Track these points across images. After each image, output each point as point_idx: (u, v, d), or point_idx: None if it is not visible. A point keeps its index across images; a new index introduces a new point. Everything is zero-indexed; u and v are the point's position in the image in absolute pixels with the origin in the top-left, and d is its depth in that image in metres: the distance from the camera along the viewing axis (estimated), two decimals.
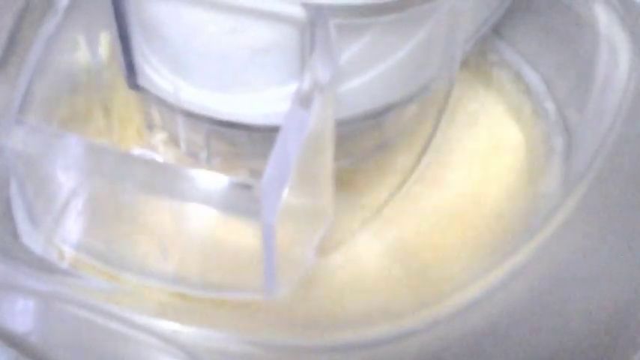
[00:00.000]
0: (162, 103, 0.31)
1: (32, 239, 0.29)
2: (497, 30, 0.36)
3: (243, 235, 0.27)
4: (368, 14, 0.27)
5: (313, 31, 0.26)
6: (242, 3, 0.26)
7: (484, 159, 0.35)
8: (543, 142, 0.35)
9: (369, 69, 0.29)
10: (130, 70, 0.31)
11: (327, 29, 0.26)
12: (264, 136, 0.30)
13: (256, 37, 0.27)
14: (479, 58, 0.37)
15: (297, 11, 0.26)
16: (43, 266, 0.29)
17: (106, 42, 0.31)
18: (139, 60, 0.30)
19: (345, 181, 0.31)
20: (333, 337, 0.28)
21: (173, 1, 0.27)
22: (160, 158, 0.32)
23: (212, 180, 0.25)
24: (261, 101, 0.29)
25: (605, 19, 0.34)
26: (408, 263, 0.31)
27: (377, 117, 0.31)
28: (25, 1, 0.34)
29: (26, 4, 0.34)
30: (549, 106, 0.36)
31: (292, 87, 0.28)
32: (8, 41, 0.33)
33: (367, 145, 0.33)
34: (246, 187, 0.25)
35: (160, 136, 0.33)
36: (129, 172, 0.26)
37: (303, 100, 0.26)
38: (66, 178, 0.28)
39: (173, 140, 0.33)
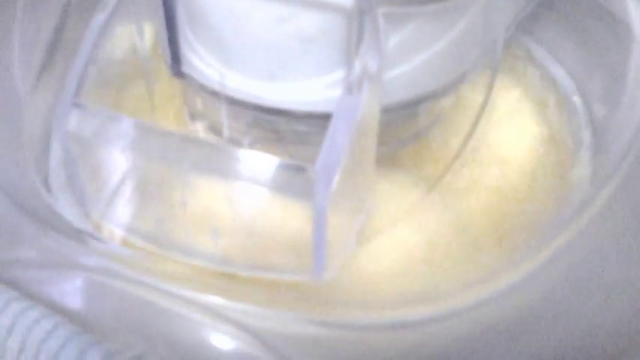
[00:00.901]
0: (206, 90, 0.31)
1: (81, 219, 0.30)
2: (524, 26, 0.37)
3: (291, 217, 0.28)
4: (413, 3, 0.28)
5: (361, 20, 0.27)
6: None
7: (511, 151, 0.36)
8: (571, 135, 0.36)
9: (410, 58, 0.30)
10: (175, 58, 0.31)
11: (376, 18, 0.27)
12: (305, 122, 0.31)
13: (304, 25, 0.28)
14: (505, 53, 0.38)
15: (347, 1, 0.27)
16: (92, 245, 0.30)
17: (149, 32, 0.32)
18: (184, 49, 0.31)
19: (385, 169, 0.31)
20: (384, 316, 0.29)
21: None
22: None
23: (265, 161, 0.26)
24: (306, 89, 0.30)
25: (637, 18, 0.35)
26: (448, 249, 0.32)
27: (414, 106, 0.31)
28: (66, 3, 0.35)
29: (68, 3, 0.34)
30: (577, 100, 0.36)
31: (336, 74, 0.29)
32: (53, 40, 0.34)
33: (402, 134, 0.33)
34: (300, 169, 0.25)
35: (200, 124, 0.33)
36: (183, 152, 0.26)
37: (354, 88, 0.27)
38: (119, 160, 0.28)
39: (213, 128, 0.33)
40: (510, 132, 0.37)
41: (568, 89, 0.37)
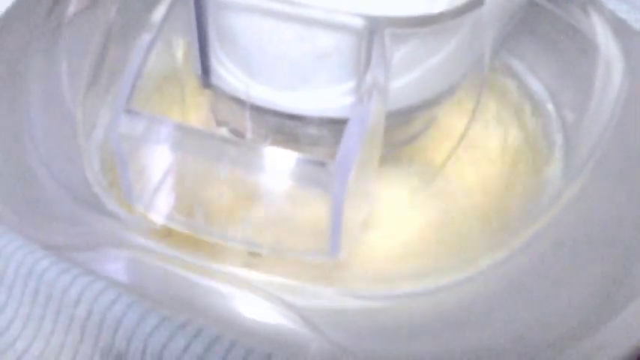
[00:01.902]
0: (232, 99, 0.36)
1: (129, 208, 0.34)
2: (505, 43, 0.41)
3: (310, 206, 0.32)
4: (414, 25, 0.32)
5: (370, 39, 0.31)
6: (310, 14, 0.32)
7: (493, 151, 0.41)
8: (545, 137, 0.40)
9: (409, 71, 0.34)
10: (205, 71, 0.36)
11: (383, 37, 0.31)
12: (317, 126, 0.35)
13: (321, 43, 0.32)
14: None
15: (358, 22, 0.31)
16: (136, 229, 0.34)
17: (183, 48, 0.37)
18: (213, 62, 0.35)
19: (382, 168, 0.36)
20: (394, 288, 0.33)
21: (249, 13, 0.33)
22: None
23: (290, 157, 0.30)
24: (322, 97, 0.34)
25: (602, 37, 0.39)
26: (439, 233, 0.37)
27: (412, 112, 0.36)
28: (109, 26, 0.39)
29: (110, 27, 0.39)
30: (550, 107, 0.41)
31: (348, 85, 0.33)
32: (98, 58, 0.38)
33: (400, 137, 0.38)
34: (321, 163, 0.30)
35: (225, 128, 0.38)
36: (220, 150, 0.31)
37: (365, 97, 0.31)
38: (162, 158, 0.33)
39: (236, 132, 0.38)
40: (492, 135, 0.42)
41: (542, 98, 0.41)
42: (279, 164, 0.30)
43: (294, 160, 0.30)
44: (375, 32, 0.31)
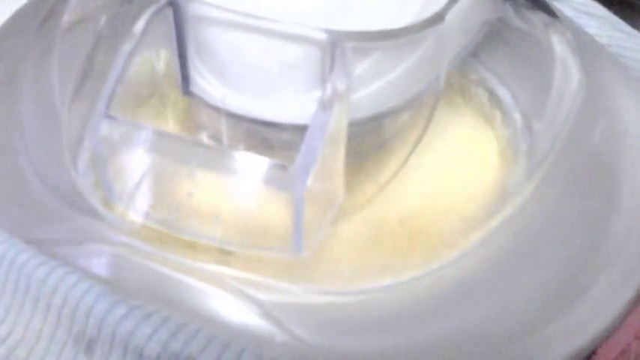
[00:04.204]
0: (209, 106, 0.38)
1: (107, 207, 0.37)
2: (475, 54, 0.43)
3: (276, 206, 0.34)
4: (375, 39, 0.34)
5: (333, 52, 0.33)
6: (276, 27, 0.34)
7: (462, 158, 0.43)
8: (511, 145, 0.42)
9: (373, 82, 0.36)
10: (185, 80, 0.38)
11: (344, 50, 0.33)
12: (289, 132, 0.36)
13: (287, 54, 0.34)
14: (460, 76, 0.43)
15: (321, 35, 0.33)
16: (116, 226, 0.36)
17: (164, 58, 0.39)
18: (192, 72, 0.37)
19: (353, 171, 0.38)
20: (357, 284, 0.35)
21: (223, 25, 0.35)
22: None
23: (256, 161, 0.32)
24: (291, 105, 0.36)
25: (559, 46, 0.41)
26: (404, 229, 0.39)
27: (377, 120, 0.38)
28: (97, 35, 0.41)
29: (99, 36, 0.41)
30: (517, 116, 0.42)
31: (315, 94, 0.35)
32: (86, 64, 0.40)
33: (369, 143, 0.39)
34: (284, 167, 0.32)
35: (204, 133, 0.40)
36: (192, 153, 0.33)
37: (326, 106, 0.33)
38: (140, 161, 0.35)
39: (214, 137, 0.39)
40: (461, 142, 0.44)
41: (510, 107, 0.43)
42: (245, 167, 0.33)
43: (259, 163, 0.32)
44: (336, 45, 0.33)
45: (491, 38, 0.42)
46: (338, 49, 0.33)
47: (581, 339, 0.35)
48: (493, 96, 0.44)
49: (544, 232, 0.37)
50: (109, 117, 0.33)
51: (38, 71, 0.41)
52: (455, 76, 0.43)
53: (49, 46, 0.41)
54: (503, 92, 0.44)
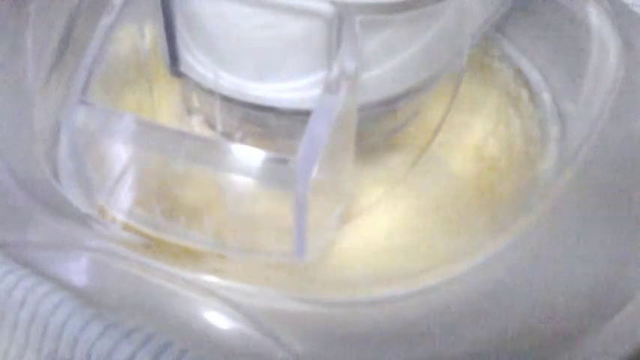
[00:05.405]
0: (201, 88, 0.34)
1: (87, 205, 0.33)
2: (499, 27, 0.39)
3: (276, 204, 0.31)
4: (388, 12, 0.31)
5: (340, 27, 0.30)
6: (277, 0, 0.30)
7: (486, 142, 0.39)
8: (540, 129, 0.39)
9: (386, 60, 0.32)
10: (173, 59, 0.34)
11: (353, 25, 0.30)
12: (291, 118, 0.33)
13: (288, 31, 0.31)
14: (483, 52, 0.41)
15: (327, 8, 0.30)
16: (96, 228, 0.33)
17: (150, 34, 0.35)
18: (181, 50, 0.34)
19: (364, 160, 0.34)
20: (362, 294, 0.32)
21: None
22: None
23: (252, 153, 0.29)
24: (291, 88, 0.32)
25: (596, 18, 0.37)
26: (416, 232, 0.35)
27: (392, 103, 0.34)
28: (77, 5, 0.38)
29: (77, 6, 0.37)
30: (545, 96, 0.39)
31: (318, 75, 0.32)
32: (62, 40, 0.37)
33: (383, 128, 0.36)
34: (283, 161, 0.28)
35: (196, 119, 0.36)
36: (178, 145, 0.29)
37: (332, 88, 0.29)
38: (121, 152, 0.31)
39: (208, 123, 0.36)
40: (485, 124, 0.40)
41: (538, 86, 0.40)
42: (240, 161, 0.29)
43: (255, 156, 0.29)
44: (344, 19, 0.30)
45: (516, 9, 0.39)
46: (346, 23, 0.30)
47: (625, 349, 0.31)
48: (519, 73, 0.41)
49: (582, 232, 0.33)
50: (85, 103, 0.30)
51: (11, 49, 0.37)
52: (476, 51, 0.40)
53: (23, 22, 0.37)
54: (530, 69, 0.41)
